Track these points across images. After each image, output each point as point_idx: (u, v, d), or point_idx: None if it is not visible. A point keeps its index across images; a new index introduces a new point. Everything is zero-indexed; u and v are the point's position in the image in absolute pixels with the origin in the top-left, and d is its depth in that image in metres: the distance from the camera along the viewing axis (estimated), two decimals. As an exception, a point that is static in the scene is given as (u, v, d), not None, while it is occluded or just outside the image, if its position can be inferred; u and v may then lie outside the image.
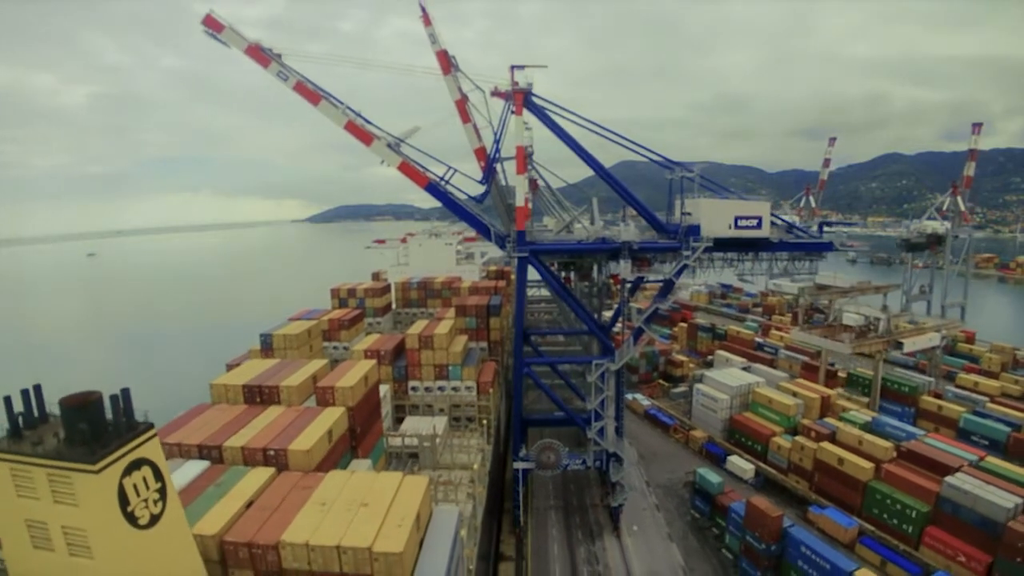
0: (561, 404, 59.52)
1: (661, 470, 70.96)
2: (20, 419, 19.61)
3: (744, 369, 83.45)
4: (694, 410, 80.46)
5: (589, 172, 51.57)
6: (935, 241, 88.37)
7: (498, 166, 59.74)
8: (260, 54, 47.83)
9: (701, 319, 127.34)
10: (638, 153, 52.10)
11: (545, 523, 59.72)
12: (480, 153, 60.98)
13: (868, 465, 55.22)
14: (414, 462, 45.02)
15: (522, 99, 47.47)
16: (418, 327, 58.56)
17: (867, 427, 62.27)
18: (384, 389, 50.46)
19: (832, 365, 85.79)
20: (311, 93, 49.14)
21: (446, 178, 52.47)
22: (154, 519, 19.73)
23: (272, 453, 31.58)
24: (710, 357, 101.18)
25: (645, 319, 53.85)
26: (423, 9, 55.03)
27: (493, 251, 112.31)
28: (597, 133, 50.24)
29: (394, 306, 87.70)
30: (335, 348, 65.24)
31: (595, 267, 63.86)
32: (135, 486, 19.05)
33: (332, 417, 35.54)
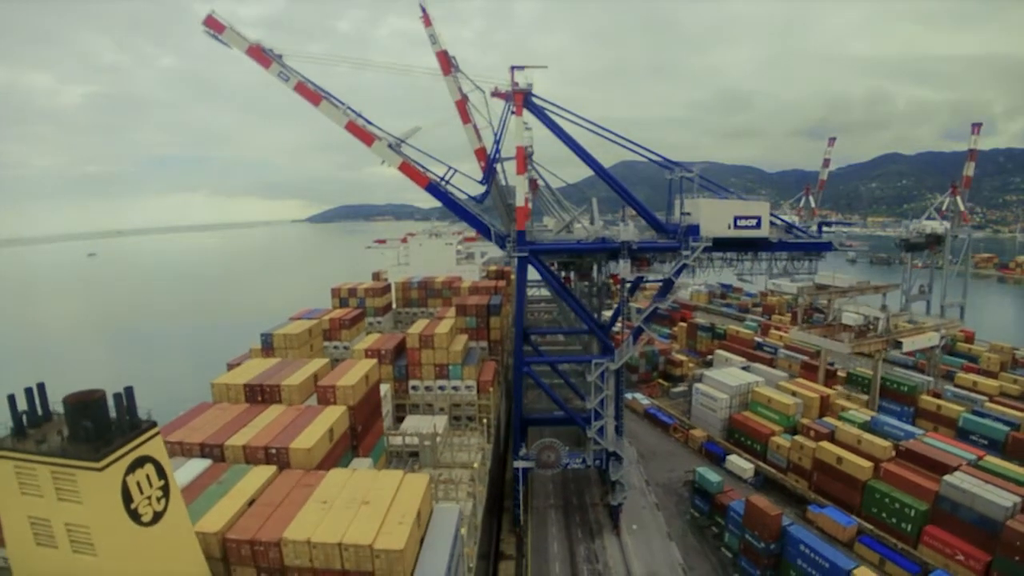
0: (561, 403, 59.67)
1: (661, 469, 71.13)
2: (24, 417, 19.77)
3: (743, 369, 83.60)
4: (694, 409, 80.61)
5: (589, 172, 51.77)
6: (934, 241, 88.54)
7: (498, 166, 59.91)
8: (261, 55, 47.96)
9: (701, 319, 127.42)
10: (637, 153, 52.29)
11: (545, 522, 59.87)
12: (480, 153, 61.16)
13: (867, 464, 55.37)
14: (414, 461, 45.17)
15: (522, 99, 47.62)
16: (418, 327, 58.73)
17: (866, 426, 62.44)
18: (385, 388, 50.67)
19: (831, 365, 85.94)
20: (312, 94, 49.28)
21: (446, 178, 52.59)
22: (157, 516, 19.91)
23: (273, 452, 31.76)
24: (710, 357, 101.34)
25: (644, 318, 54.02)
26: (423, 10, 55.21)
27: (493, 251, 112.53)
28: (596, 133, 50.44)
29: (394, 306, 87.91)
30: (336, 347, 65.43)
31: (595, 267, 64.02)
32: (138, 484, 19.24)
33: (333, 416, 35.72)
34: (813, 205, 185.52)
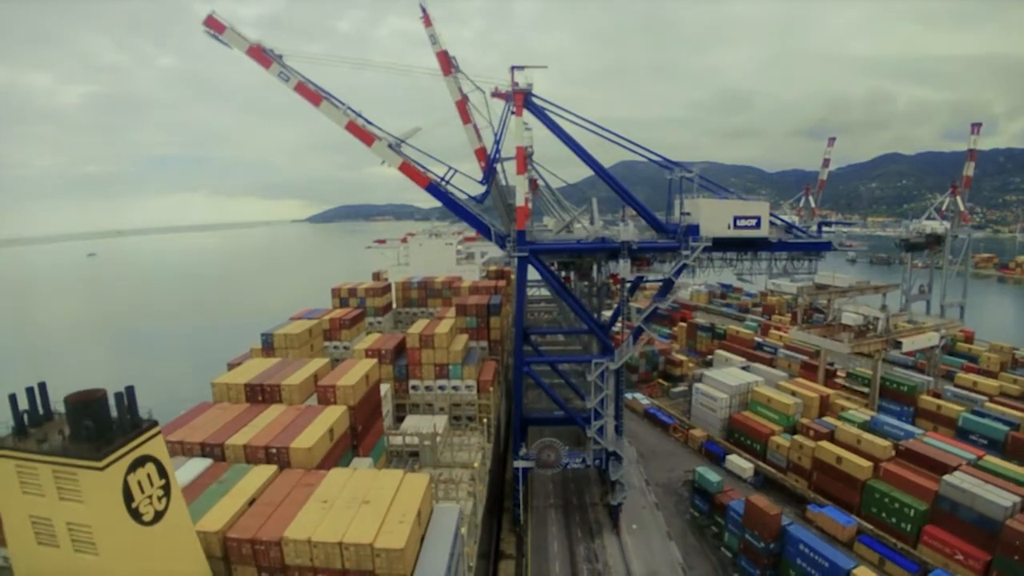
0: (561, 403, 59.73)
1: (660, 469, 71.18)
2: (25, 416, 19.82)
3: (743, 368, 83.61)
4: (693, 409, 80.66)
5: (589, 172, 51.83)
6: (934, 241, 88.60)
7: (498, 166, 60.00)
8: (262, 55, 48.01)
9: (701, 319, 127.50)
10: (637, 153, 52.34)
11: (545, 521, 59.93)
12: (480, 153, 61.26)
13: (867, 464, 55.43)
14: (415, 461, 45.21)
15: (522, 100, 47.66)
16: (419, 326, 58.78)
17: (866, 426, 62.48)
18: (385, 388, 50.73)
19: (831, 365, 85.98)
20: (312, 94, 49.32)
21: (447, 178, 52.64)
22: (158, 516, 19.96)
23: (274, 451, 31.81)
24: (709, 356, 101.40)
25: (644, 318, 54.07)
26: (423, 10, 55.31)
27: (493, 251, 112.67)
28: (596, 133, 50.49)
29: (395, 306, 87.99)
30: (336, 347, 65.49)
31: (595, 267, 64.06)
32: (139, 483, 19.29)
33: (333, 415, 35.77)
34: (813, 205, 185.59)
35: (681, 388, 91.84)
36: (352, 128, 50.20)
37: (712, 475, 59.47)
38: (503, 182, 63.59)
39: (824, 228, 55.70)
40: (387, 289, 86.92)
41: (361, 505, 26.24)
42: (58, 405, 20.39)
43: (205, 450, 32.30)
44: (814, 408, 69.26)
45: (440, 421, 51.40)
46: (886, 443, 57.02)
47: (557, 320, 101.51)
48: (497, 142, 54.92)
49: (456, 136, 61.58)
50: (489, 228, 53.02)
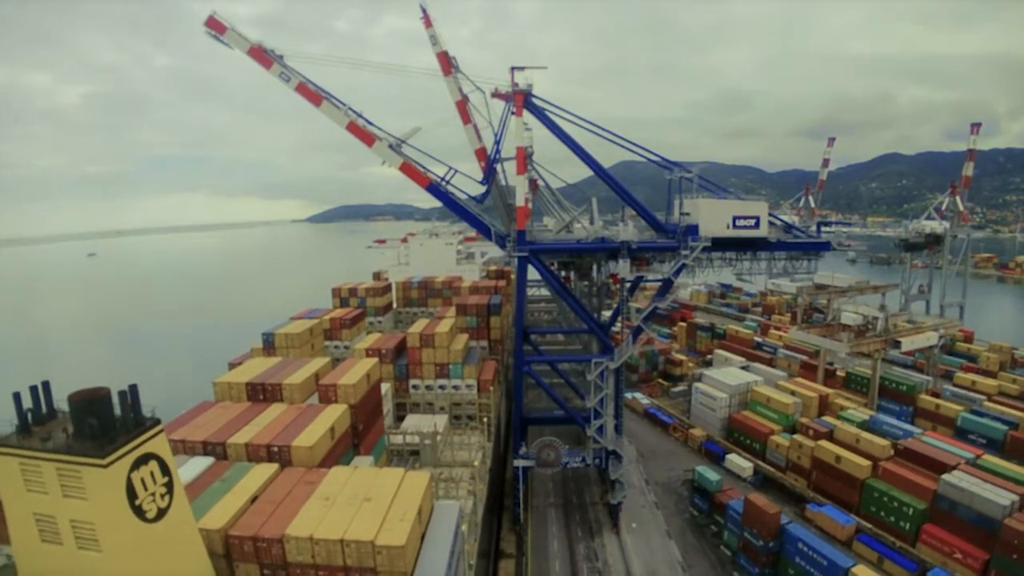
0: (561, 402, 59.87)
1: (660, 468, 71.33)
2: (29, 415, 19.96)
3: (743, 368, 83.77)
4: (693, 409, 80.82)
5: (589, 172, 51.94)
6: (934, 241, 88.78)
7: (498, 166, 60.16)
8: (263, 56, 48.13)
9: (700, 318, 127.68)
10: (637, 153, 52.48)
11: (545, 520, 60.07)
12: (480, 153, 61.42)
13: (865, 463, 55.58)
14: (415, 459, 45.37)
15: (522, 100, 47.79)
16: (419, 326, 58.95)
17: (865, 425, 62.64)
18: (385, 387, 50.92)
19: (830, 364, 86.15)
20: (313, 94, 49.44)
21: (447, 178, 52.78)
22: (161, 513, 20.10)
23: (275, 449, 31.99)
24: (709, 356, 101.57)
25: (644, 318, 54.20)
26: (424, 12, 55.44)
27: (493, 251, 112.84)
28: (596, 134, 50.61)
29: (395, 305, 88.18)
30: (336, 347, 65.68)
31: (594, 266, 64.21)
32: (143, 480, 19.43)
33: (335, 414, 35.95)
34: (813, 205, 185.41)
35: (681, 388, 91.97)
36: (353, 128, 50.33)
37: (711, 474, 59.63)
38: (503, 182, 63.76)
39: (823, 228, 55.84)
40: (387, 289, 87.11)
41: (362, 503, 26.42)
42: (61, 404, 20.53)
43: (207, 448, 32.49)
44: (813, 407, 69.43)
45: (440, 420, 51.56)
46: (885, 442, 57.17)
47: (557, 320, 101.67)
48: (497, 142, 55.09)
49: (456, 136, 61.80)
50: (489, 228, 53.16)
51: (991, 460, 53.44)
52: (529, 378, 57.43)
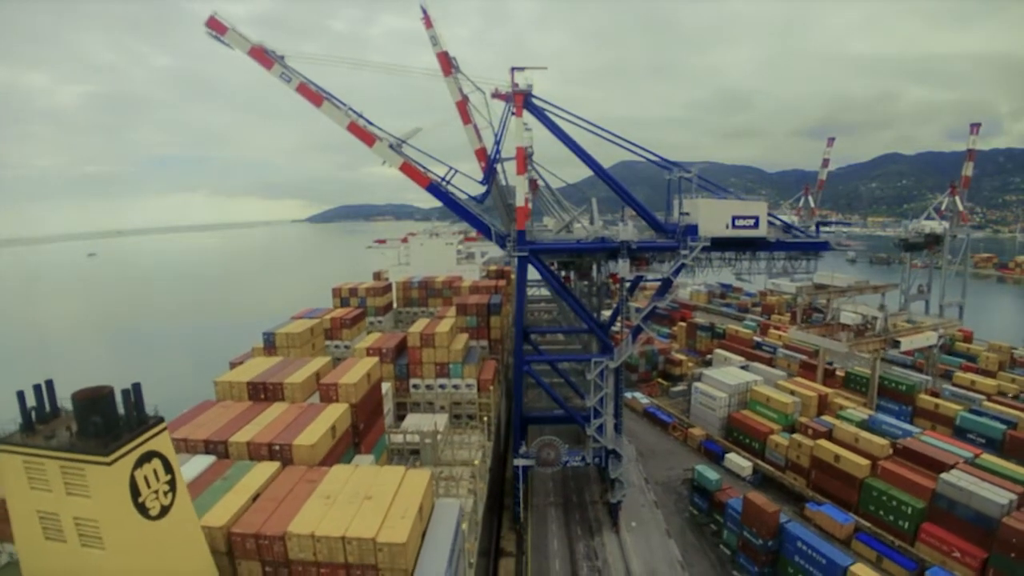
0: (561, 402, 60.01)
1: (660, 467, 71.49)
2: (33, 413, 20.13)
3: (742, 368, 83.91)
4: (693, 408, 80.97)
5: (589, 172, 52.11)
6: (933, 241, 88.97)
7: (498, 166, 60.34)
8: (263, 56, 48.25)
9: (700, 318, 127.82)
10: (637, 153, 52.62)
11: (545, 519, 60.22)
12: (481, 154, 61.58)
13: (864, 462, 55.73)
14: (415, 458, 45.52)
15: (522, 101, 47.93)
16: (419, 326, 59.10)
17: (864, 425, 62.76)
18: (386, 387, 51.08)
19: (830, 364, 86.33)
20: (314, 95, 49.56)
21: (447, 178, 52.92)
22: (164, 510, 20.25)
23: (277, 448, 32.16)
24: (709, 356, 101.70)
25: (644, 318, 54.33)
26: (424, 12, 55.58)
27: (493, 251, 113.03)
28: (596, 134, 50.75)
29: (395, 305, 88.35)
30: (337, 346, 65.84)
31: (594, 266, 64.33)
32: (146, 478, 19.59)
33: (335, 413, 36.11)
34: (813, 205, 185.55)
35: (680, 387, 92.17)
36: (353, 129, 50.46)
37: (711, 473, 59.77)
38: (503, 182, 63.93)
39: (822, 228, 56.01)
40: (388, 289, 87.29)
41: (363, 501, 26.58)
42: (64, 402, 20.68)
43: (209, 447, 32.66)
44: (812, 407, 69.58)
45: (441, 419, 51.73)
46: (884, 442, 57.32)
47: (557, 319, 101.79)
48: (497, 142, 55.24)
49: (456, 136, 61.92)
50: (489, 228, 53.30)
51: (990, 459, 53.55)
52: (529, 377, 57.58)
